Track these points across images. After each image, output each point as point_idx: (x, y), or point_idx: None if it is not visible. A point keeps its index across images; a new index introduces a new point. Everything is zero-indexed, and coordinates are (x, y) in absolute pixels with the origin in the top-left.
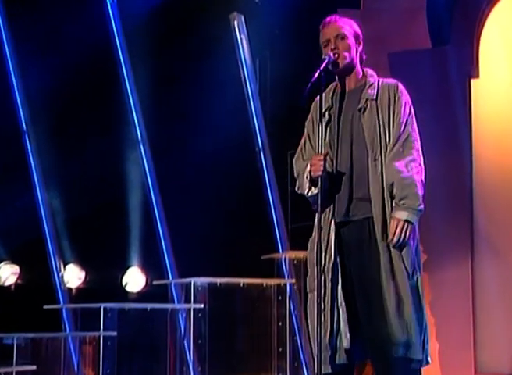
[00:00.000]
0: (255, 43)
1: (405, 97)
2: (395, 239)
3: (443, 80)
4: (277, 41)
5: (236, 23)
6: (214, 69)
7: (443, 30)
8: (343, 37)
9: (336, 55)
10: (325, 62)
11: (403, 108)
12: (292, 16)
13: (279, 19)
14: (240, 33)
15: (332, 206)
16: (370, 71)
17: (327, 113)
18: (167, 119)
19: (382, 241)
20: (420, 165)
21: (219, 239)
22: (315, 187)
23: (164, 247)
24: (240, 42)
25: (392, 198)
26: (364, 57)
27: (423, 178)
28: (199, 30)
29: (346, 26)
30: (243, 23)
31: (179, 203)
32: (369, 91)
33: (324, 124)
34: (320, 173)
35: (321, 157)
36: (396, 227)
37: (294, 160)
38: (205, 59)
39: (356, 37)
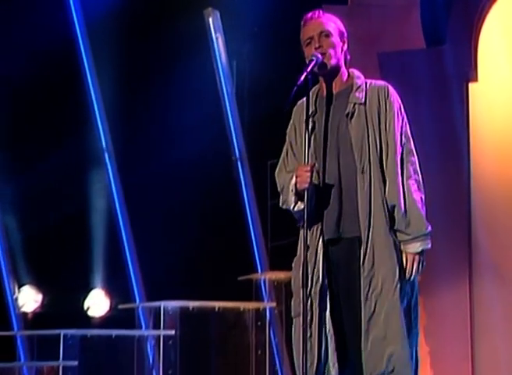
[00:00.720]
0: (232, 42)
1: (397, 101)
2: (412, 277)
3: (438, 83)
4: (256, 39)
5: (211, 19)
6: (187, 71)
7: (439, 29)
8: (328, 35)
9: (323, 55)
10: (313, 63)
11: (396, 116)
12: (272, 12)
13: (258, 16)
14: (215, 32)
15: (319, 223)
16: (356, 72)
17: (311, 120)
18: (135, 126)
19: (364, 265)
20: (417, 181)
21: (192, 258)
22: (302, 201)
23: (130, 267)
24: (215, 41)
25: (390, 217)
26: (348, 57)
27: (422, 195)
28: (170, 27)
29: (331, 22)
30: (219, 20)
31: (148, 219)
32: (357, 94)
33: (309, 132)
34: (307, 185)
35: (308, 168)
36: (413, 263)
37: (276, 173)
38: (177, 60)
39: (341, 35)
